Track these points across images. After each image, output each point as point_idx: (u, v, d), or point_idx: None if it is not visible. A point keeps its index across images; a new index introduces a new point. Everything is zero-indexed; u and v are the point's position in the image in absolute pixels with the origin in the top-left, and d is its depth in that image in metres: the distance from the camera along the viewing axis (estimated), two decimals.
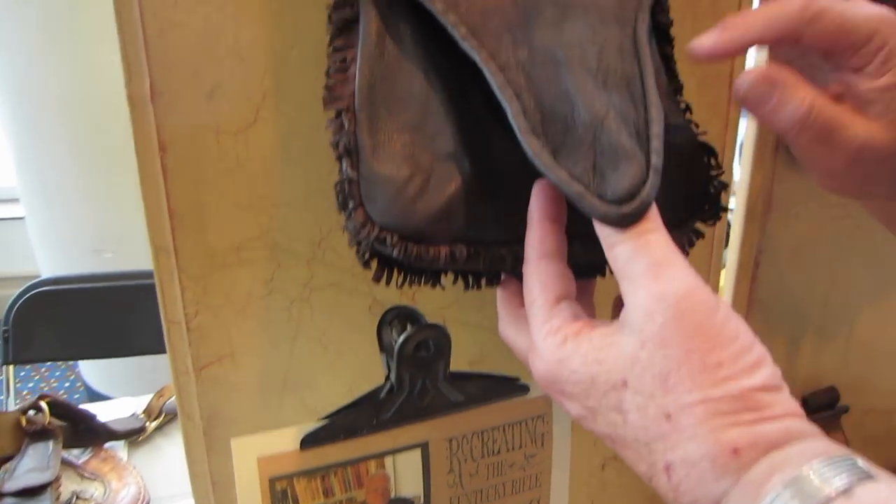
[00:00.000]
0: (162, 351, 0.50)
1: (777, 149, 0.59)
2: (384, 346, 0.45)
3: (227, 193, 0.46)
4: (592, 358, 0.30)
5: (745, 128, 0.59)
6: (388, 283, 0.37)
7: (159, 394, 0.91)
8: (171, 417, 0.90)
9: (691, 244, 0.39)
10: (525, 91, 0.33)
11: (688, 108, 0.42)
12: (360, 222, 0.34)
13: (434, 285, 0.38)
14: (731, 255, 0.62)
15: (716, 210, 0.39)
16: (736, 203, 0.61)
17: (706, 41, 0.34)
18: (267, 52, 0.44)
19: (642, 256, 0.28)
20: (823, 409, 0.67)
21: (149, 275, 0.48)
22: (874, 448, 0.76)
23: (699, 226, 0.40)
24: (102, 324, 1.05)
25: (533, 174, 0.33)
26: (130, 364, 1.23)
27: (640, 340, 0.28)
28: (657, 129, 0.32)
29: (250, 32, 0.43)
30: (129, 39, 0.42)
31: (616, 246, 0.29)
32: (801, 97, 0.33)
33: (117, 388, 1.64)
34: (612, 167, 0.31)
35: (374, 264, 0.36)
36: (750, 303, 0.64)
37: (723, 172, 0.40)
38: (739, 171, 0.60)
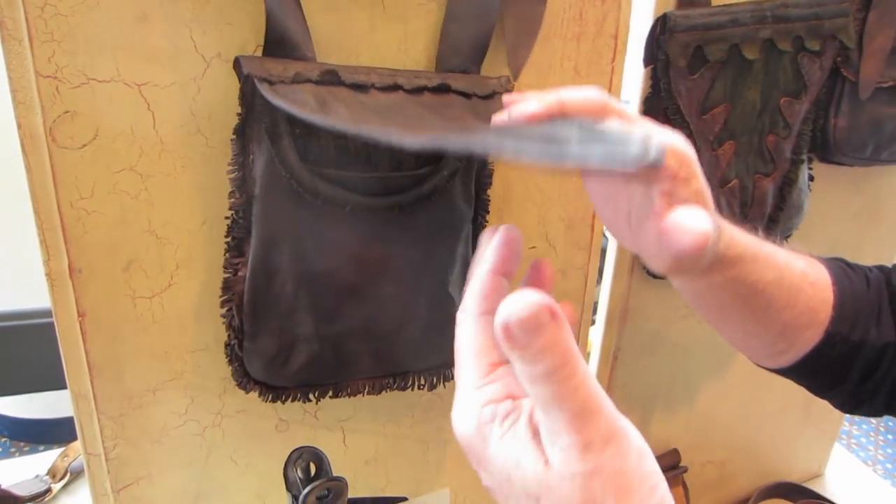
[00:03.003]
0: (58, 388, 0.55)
1: (633, 269, 0.69)
2: (289, 485, 0.51)
3: (143, 346, 0.51)
4: (514, 458, 0.28)
5: (607, 254, 0.69)
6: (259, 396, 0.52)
7: (64, 454, 0.91)
8: (76, 476, 0.91)
9: None
10: None
11: None
12: (242, 376, 0.51)
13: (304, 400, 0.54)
14: (595, 349, 0.73)
15: None
16: (598, 312, 0.71)
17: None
18: (180, 229, 0.48)
19: (567, 402, 0.27)
20: (668, 469, 0.79)
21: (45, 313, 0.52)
22: (711, 492, 0.91)
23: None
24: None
25: (370, 336, 0.51)
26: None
27: (559, 473, 0.27)
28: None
29: (164, 214, 0.47)
30: (46, 225, 0.45)
31: (541, 382, 0.27)
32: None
33: None
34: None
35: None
36: (610, 387, 0.75)
37: None
38: (601, 288, 0.70)
